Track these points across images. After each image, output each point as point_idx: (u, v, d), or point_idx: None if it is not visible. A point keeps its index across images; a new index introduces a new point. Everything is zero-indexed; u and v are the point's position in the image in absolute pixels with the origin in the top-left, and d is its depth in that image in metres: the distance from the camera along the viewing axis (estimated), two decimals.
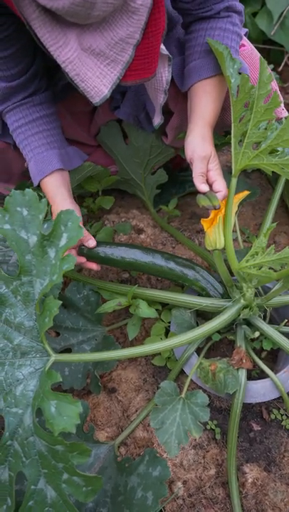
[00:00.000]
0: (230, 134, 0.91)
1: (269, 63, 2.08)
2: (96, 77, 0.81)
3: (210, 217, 0.92)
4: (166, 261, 1.08)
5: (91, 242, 1.02)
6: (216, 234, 0.96)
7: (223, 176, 0.92)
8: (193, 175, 0.89)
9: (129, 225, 1.43)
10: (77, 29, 0.75)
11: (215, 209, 0.87)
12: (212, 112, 0.92)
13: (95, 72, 0.80)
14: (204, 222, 0.93)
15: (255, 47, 2.00)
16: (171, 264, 1.07)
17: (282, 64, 2.05)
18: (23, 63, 0.93)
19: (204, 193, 0.88)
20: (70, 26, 0.74)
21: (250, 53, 1.04)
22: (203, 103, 0.92)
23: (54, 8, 0.66)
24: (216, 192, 0.89)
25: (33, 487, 0.71)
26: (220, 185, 0.89)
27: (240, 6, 0.93)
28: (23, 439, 0.75)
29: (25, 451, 0.74)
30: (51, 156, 0.99)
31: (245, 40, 1.06)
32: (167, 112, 1.15)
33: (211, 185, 0.90)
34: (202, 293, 1.09)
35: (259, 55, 1.09)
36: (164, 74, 0.91)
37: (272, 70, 1.98)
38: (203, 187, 0.87)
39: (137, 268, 1.09)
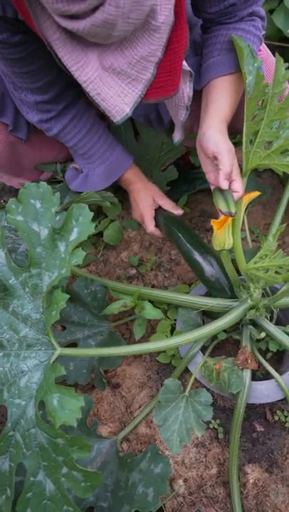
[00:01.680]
0: (236, 136, 0.89)
1: (285, 61, 2.05)
2: (117, 96, 0.80)
3: (220, 218, 0.91)
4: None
5: (179, 211, 1.16)
6: (225, 234, 0.95)
7: None
8: (222, 168, 0.86)
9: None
10: (98, 49, 0.74)
11: (231, 216, 0.84)
12: (229, 109, 0.90)
13: (116, 92, 0.80)
14: (215, 224, 0.92)
15: (271, 44, 1.99)
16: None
17: None
18: (48, 77, 0.95)
19: (222, 192, 0.86)
20: (91, 46, 0.74)
21: (265, 58, 1.03)
22: (221, 99, 0.90)
23: (75, 29, 0.66)
24: (233, 192, 0.87)
25: (32, 479, 0.71)
26: (238, 185, 0.87)
27: (263, 12, 0.92)
28: (25, 431, 0.76)
29: (27, 443, 0.75)
30: (122, 157, 1.13)
31: (263, 45, 1.05)
32: None
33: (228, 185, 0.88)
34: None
35: (275, 60, 1.08)
36: (186, 90, 0.89)
37: (288, 68, 1.95)
38: (225, 183, 0.85)
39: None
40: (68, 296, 0.75)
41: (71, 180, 1.22)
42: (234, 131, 1.03)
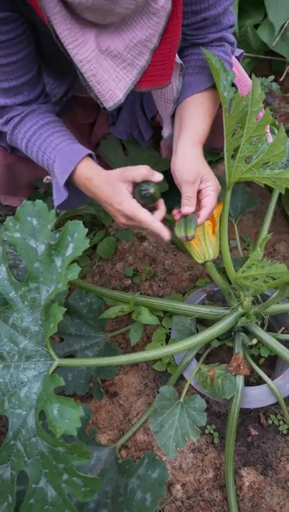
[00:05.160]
0: (218, 151, 0.91)
1: (270, 73, 2.12)
2: (112, 80, 0.80)
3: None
4: None
5: (157, 176, 0.83)
6: (202, 246, 0.98)
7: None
8: (181, 199, 0.85)
9: (132, 232, 1.46)
10: (95, 29, 0.75)
11: (187, 240, 0.83)
12: (203, 129, 0.89)
13: (111, 75, 0.79)
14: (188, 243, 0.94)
15: (257, 57, 2.05)
16: None
17: (284, 74, 2.08)
18: (30, 73, 0.90)
19: (187, 216, 0.85)
20: (89, 26, 0.74)
21: (238, 78, 1.05)
22: (194, 119, 0.89)
23: (78, 0, 0.65)
24: (201, 208, 0.86)
25: (34, 486, 0.74)
26: (208, 201, 0.86)
27: (232, 38, 0.95)
28: (26, 440, 0.78)
29: (28, 451, 0.78)
30: (77, 147, 0.88)
31: (236, 66, 1.07)
32: (159, 127, 1.18)
33: (200, 202, 0.87)
34: None
35: (250, 81, 1.11)
36: (175, 83, 0.90)
37: (274, 80, 2.01)
38: (186, 209, 0.84)
39: None
40: (65, 309, 0.78)
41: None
42: (217, 147, 1.06)
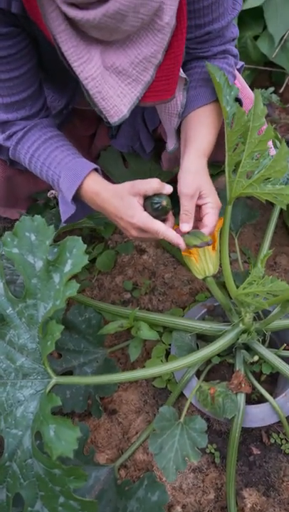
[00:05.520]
0: (220, 164, 0.91)
1: (270, 85, 2.12)
2: (117, 96, 0.80)
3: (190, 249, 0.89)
4: None
5: (168, 188, 0.84)
6: (202, 262, 0.97)
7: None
8: (180, 214, 0.84)
9: (132, 245, 1.45)
10: (100, 46, 0.75)
11: (208, 245, 0.83)
12: (208, 142, 0.89)
13: (116, 91, 0.79)
14: (185, 254, 0.93)
15: (257, 69, 2.05)
16: None
17: (284, 85, 2.08)
18: (32, 88, 0.90)
19: (189, 232, 0.84)
20: (94, 43, 0.74)
21: (240, 91, 1.06)
22: (199, 133, 0.89)
23: (85, 19, 0.66)
24: (203, 227, 0.85)
25: (29, 509, 0.72)
26: (209, 219, 0.85)
27: (235, 51, 0.95)
28: (22, 461, 0.76)
29: (24, 473, 0.75)
30: (82, 162, 0.88)
31: (238, 78, 1.07)
32: (160, 140, 1.18)
33: (201, 219, 0.87)
34: None
35: (251, 93, 1.11)
36: (179, 97, 0.90)
37: (274, 91, 2.01)
38: (183, 226, 0.83)
39: None
40: (63, 326, 0.77)
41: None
42: (219, 160, 1.06)
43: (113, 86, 0.79)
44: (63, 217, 0.92)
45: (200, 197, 0.85)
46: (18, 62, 0.84)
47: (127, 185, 0.84)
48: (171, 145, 1.03)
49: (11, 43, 0.81)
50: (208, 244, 0.83)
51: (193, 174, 0.85)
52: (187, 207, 0.84)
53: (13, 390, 0.82)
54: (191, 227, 0.84)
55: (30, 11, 0.72)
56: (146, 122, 1.17)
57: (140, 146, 1.19)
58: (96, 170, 0.89)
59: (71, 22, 0.70)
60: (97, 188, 0.86)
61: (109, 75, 0.78)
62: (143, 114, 1.18)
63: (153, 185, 0.82)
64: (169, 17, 0.72)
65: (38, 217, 0.83)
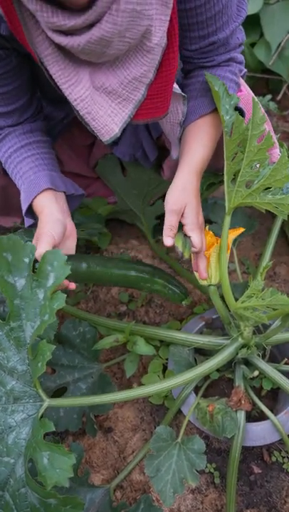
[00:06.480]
0: (220, 173, 0.89)
1: (268, 92, 2.10)
2: (107, 116, 0.80)
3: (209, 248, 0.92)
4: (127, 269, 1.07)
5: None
6: (211, 269, 0.95)
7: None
8: (164, 228, 0.85)
9: (128, 256, 1.42)
10: (89, 67, 0.74)
11: (181, 257, 0.85)
12: (202, 158, 0.88)
13: (106, 111, 0.79)
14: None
15: (254, 76, 2.04)
16: (132, 272, 1.07)
17: (281, 93, 2.07)
18: (21, 101, 0.92)
19: (184, 237, 0.87)
20: (83, 64, 0.74)
21: (246, 98, 1.04)
22: (194, 147, 0.88)
23: (69, 45, 0.65)
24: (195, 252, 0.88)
25: None
26: (194, 241, 0.86)
27: (241, 57, 0.93)
28: (15, 491, 0.73)
29: (17, 503, 0.72)
30: (38, 178, 0.91)
31: (243, 85, 1.06)
32: (163, 148, 1.15)
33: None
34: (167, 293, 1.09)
35: (256, 99, 1.09)
36: (180, 107, 0.90)
37: (271, 99, 1.99)
38: (167, 240, 0.84)
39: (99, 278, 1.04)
40: (54, 346, 0.74)
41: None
42: (220, 168, 1.04)
43: (103, 106, 0.79)
44: (26, 224, 0.96)
45: (182, 215, 0.86)
46: (5, 80, 0.85)
47: (68, 225, 0.93)
48: (175, 154, 1.03)
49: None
50: (182, 258, 0.86)
51: (180, 191, 0.85)
52: (171, 222, 0.85)
53: (4, 416, 0.79)
54: (172, 243, 0.85)
55: (16, 34, 0.72)
56: (150, 130, 1.15)
57: (143, 154, 1.17)
58: (51, 189, 0.92)
59: (58, 45, 0.69)
60: (42, 207, 0.90)
61: (99, 95, 0.78)
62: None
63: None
64: (158, 38, 0.71)
65: (12, 235, 0.81)
